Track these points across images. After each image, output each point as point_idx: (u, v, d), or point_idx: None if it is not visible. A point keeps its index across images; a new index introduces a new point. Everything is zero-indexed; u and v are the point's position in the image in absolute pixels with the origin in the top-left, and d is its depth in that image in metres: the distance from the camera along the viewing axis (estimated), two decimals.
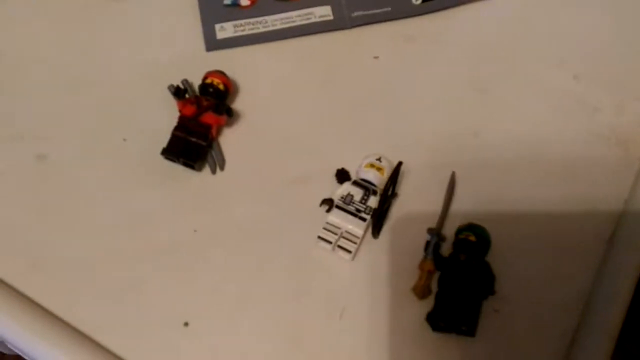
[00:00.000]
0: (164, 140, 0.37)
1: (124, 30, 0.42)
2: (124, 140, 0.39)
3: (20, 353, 0.32)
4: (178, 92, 0.37)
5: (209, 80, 0.38)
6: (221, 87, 0.38)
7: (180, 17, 0.42)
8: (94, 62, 0.41)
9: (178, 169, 0.37)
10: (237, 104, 0.39)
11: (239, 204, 0.36)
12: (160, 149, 0.36)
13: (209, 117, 0.37)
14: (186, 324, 0.32)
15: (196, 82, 0.39)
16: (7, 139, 0.38)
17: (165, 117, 0.37)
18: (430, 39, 0.41)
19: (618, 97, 0.39)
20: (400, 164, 0.35)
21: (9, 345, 0.32)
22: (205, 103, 0.37)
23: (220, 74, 0.38)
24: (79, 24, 0.42)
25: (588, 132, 0.38)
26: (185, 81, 0.39)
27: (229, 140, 0.38)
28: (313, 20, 0.42)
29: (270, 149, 0.38)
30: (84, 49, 0.41)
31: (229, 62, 0.40)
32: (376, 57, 0.41)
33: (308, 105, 0.39)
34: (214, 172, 0.37)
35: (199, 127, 0.37)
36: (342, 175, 0.36)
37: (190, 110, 0.37)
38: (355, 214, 0.34)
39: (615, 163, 0.37)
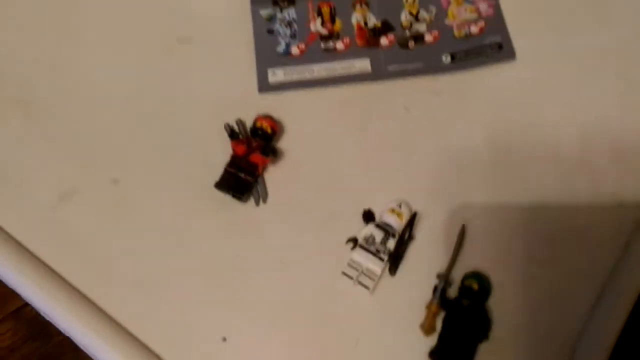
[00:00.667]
0: (218, 172, 0.42)
1: (190, 70, 0.47)
2: (185, 169, 0.44)
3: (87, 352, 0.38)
4: (232, 134, 0.43)
5: (258, 124, 0.43)
6: (269, 130, 0.43)
7: (238, 60, 0.47)
8: (163, 98, 0.46)
9: (227, 199, 0.42)
10: (282, 143, 0.44)
11: (276, 234, 0.41)
12: (214, 181, 0.42)
13: (256, 157, 0.42)
14: (224, 339, 0.38)
15: (248, 118, 0.44)
16: (87, 164, 0.44)
17: (220, 150, 0.43)
18: (457, 95, 0.45)
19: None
20: (415, 214, 0.39)
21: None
22: (254, 144, 0.43)
23: (268, 118, 0.43)
24: (151, 63, 0.47)
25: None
26: (239, 121, 0.44)
27: (273, 175, 0.43)
28: (353, 71, 0.46)
29: (308, 186, 0.43)
30: (155, 87, 0.47)
31: (278, 103, 0.45)
32: (407, 109, 0.45)
33: (344, 148, 0.44)
34: (257, 204, 0.42)
35: (247, 165, 0.42)
36: (368, 216, 0.41)
37: (241, 149, 0.43)
38: (375, 253, 0.39)
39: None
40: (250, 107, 0.44)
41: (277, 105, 0.45)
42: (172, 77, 0.47)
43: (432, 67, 0.46)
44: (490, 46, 0.46)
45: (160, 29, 0.49)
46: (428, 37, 0.47)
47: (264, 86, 0.46)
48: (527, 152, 0.43)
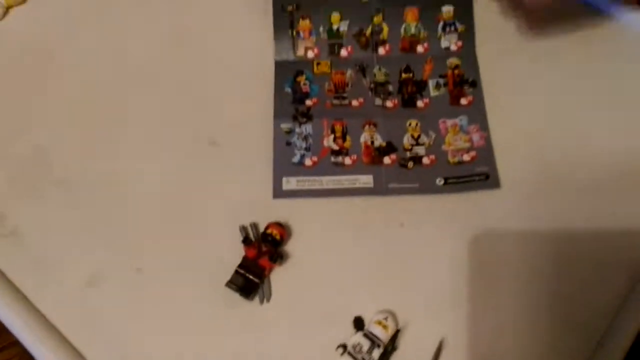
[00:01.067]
0: (230, 269, 0.48)
1: (215, 172, 0.53)
2: (201, 265, 0.50)
3: None
4: (246, 240, 0.49)
5: (269, 231, 0.49)
6: (278, 237, 0.49)
7: (257, 166, 0.53)
8: (189, 195, 0.52)
9: (235, 296, 0.48)
10: (289, 246, 0.50)
11: (276, 332, 0.47)
12: (226, 278, 0.48)
13: (265, 262, 0.48)
14: None
15: (262, 220, 0.50)
16: (116, 252, 0.50)
17: (234, 249, 0.49)
18: (446, 215, 0.51)
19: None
20: (398, 331, 0.45)
21: None
22: (264, 249, 0.49)
23: (279, 225, 0.49)
24: (182, 162, 0.54)
25: None
26: (252, 225, 0.50)
27: (278, 276, 0.49)
28: (357, 185, 0.53)
29: (308, 288, 0.48)
30: (183, 184, 0.53)
31: (289, 208, 0.52)
32: (402, 225, 0.51)
33: (343, 255, 0.50)
34: (261, 302, 0.48)
35: (256, 268, 0.48)
36: (358, 323, 0.46)
37: (252, 253, 0.49)
38: None
39: None
40: (265, 210, 0.51)
41: (287, 210, 0.51)
42: (199, 176, 0.53)
43: (427, 188, 0.52)
44: (478, 175, 0.52)
45: (194, 132, 0.55)
46: (426, 160, 0.53)
47: (279, 193, 0.52)
48: (507, 273, 0.48)
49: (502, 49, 0.57)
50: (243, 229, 0.49)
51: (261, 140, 0.54)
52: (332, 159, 0.53)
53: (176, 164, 0.54)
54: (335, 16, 0.59)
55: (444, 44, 0.58)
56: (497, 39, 0.58)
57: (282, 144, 0.54)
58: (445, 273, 0.49)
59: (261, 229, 0.50)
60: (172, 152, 0.55)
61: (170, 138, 0.55)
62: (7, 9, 0.62)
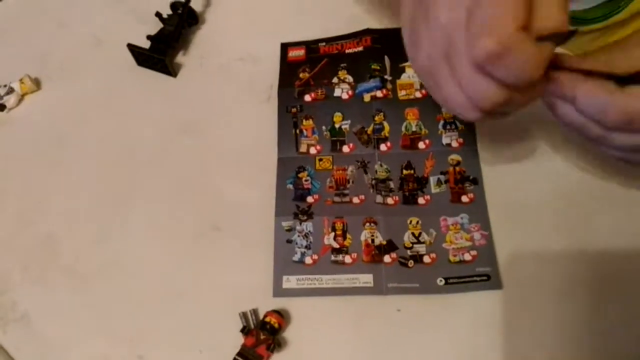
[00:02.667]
0: (230, 357, 0.52)
1: (217, 256, 0.58)
2: (200, 351, 0.54)
3: None
4: (244, 330, 0.52)
5: (267, 319, 0.53)
6: (276, 325, 0.52)
7: (259, 255, 0.57)
8: (190, 280, 0.57)
9: None
10: (287, 332, 0.54)
11: None
12: None
13: (262, 350, 0.52)
14: None
15: (261, 308, 0.55)
16: (118, 338, 0.54)
17: (232, 335, 0.53)
18: (445, 312, 0.54)
19: None
20: None
21: None
22: (262, 337, 0.52)
23: (277, 314, 0.53)
24: (185, 247, 0.59)
25: None
26: (252, 311, 0.54)
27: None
28: (357, 284, 0.56)
29: None
30: (185, 269, 0.57)
31: (288, 304, 0.55)
32: (399, 310, 0.54)
33: (341, 343, 0.53)
34: None
35: (254, 356, 0.52)
36: None
37: (250, 341, 0.52)
38: None
39: None
40: (265, 298, 0.55)
41: (287, 305, 0.55)
42: (203, 259, 0.58)
43: (427, 288, 0.55)
44: (479, 275, 0.55)
45: (198, 217, 0.60)
46: (426, 259, 0.56)
47: (278, 291, 0.56)
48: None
49: (504, 146, 0.61)
50: (243, 315, 0.53)
51: (263, 234, 0.59)
52: (333, 257, 0.57)
53: (179, 250, 0.59)
54: (337, 116, 0.64)
55: (445, 140, 0.62)
56: (499, 135, 0.62)
57: (283, 242, 0.58)
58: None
59: (261, 315, 0.53)
60: (178, 236, 0.59)
61: (175, 224, 0.60)
62: (23, 96, 0.69)
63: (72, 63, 0.72)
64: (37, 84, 0.70)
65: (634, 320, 0.52)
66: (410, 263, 0.56)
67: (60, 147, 0.66)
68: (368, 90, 0.66)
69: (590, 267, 0.54)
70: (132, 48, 0.67)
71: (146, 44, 0.67)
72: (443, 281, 0.55)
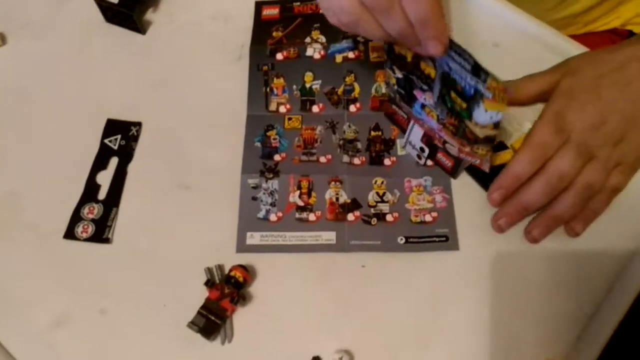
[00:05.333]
0: (194, 310, 0.59)
1: (185, 213, 0.65)
2: (164, 305, 0.61)
3: None
4: (208, 282, 0.60)
5: (232, 273, 0.60)
6: (241, 279, 0.60)
7: (226, 213, 0.64)
8: (155, 238, 0.64)
9: (197, 336, 0.58)
10: (253, 287, 0.61)
11: None
12: (189, 317, 0.58)
13: (226, 303, 0.59)
14: None
15: (227, 264, 0.61)
16: (80, 294, 0.61)
17: (197, 290, 0.60)
18: (404, 271, 0.62)
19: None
20: None
21: None
22: (227, 291, 0.59)
23: (242, 268, 0.60)
24: (150, 206, 0.66)
25: None
26: (218, 267, 0.61)
27: (241, 316, 0.60)
28: (320, 242, 0.64)
29: (270, 329, 0.59)
30: (151, 226, 0.64)
31: (253, 260, 0.63)
32: (363, 266, 0.62)
33: (305, 296, 0.60)
34: (223, 343, 0.58)
35: (218, 310, 0.59)
36: None
37: (214, 295, 0.59)
38: None
39: None
40: (230, 256, 0.62)
41: (251, 260, 0.62)
42: (167, 219, 0.65)
43: (388, 246, 0.63)
44: (438, 236, 0.63)
45: (166, 176, 0.67)
46: (389, 217, 0.64)
47: (242, 247, 0.63)
48: (467, 318, 0.59)
49: None
50: (208, 270, 0.61)
51: (228, 191, 0.66)
52: (297, 214, 0.65)
53: (145, 206, 0.66)
54: (308, 76, 0.72)
55: None
56: None
57: (248, 199, 0.65)
58: (407, 314, 0.59)
59: (226, 270, 0.61)
60: (144, 195, 0.66)
61: (142, 182, 0.67)
62: None
63: (39, 18, 0.78)
64: (2, 38, 0.76)
65: (585, 280, 0.60)
66: (374, 221, 0.64)
67: (25, 103, 0.72)
68: (340, 51, 0.73)
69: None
70: (99, 2, 0.73)
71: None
72: (404, 240, 0.63)
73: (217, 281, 0.60)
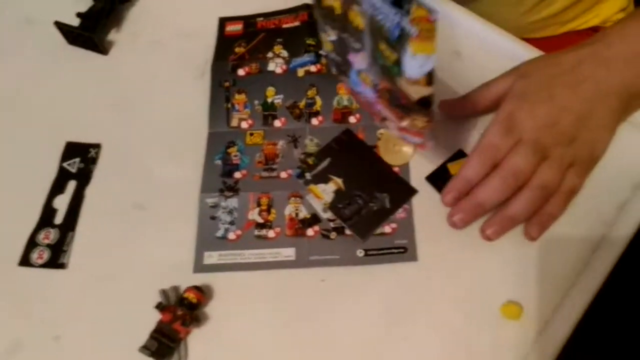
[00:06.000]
0: (147, 334, 0.59)
1: (141, 234, 0.66)
2: (119, 329, 0.61)
3: None
4: (159, 305, 0.60)
5: (185, 295, 0.60)
6: (194, 301, 0.60)
7: (183, 233, 0.65)
8: (110, 259, 0.64)
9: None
10: (209, 308, 0.61)
11: None
12: (142, 342, 0.58)
13: (178, 326, 0.59)
14: None
15: (184, 285, 0.61)
16: (34, 321, 0.62)
17: (153, 313, 0.60)
18: (362, 283, 0.62)
19: None
20: None
21: None
22: (179, 313, 0.60)
23: (195, 289, 0.60)
24: (106, 224, 0.67)
25: None
26: (173, 288, 0.62)
27: (197, 338, 0.60)
28: (279, 258, 0.64)
29: (227, 349, 0.59)
30: (107, 247, 0.65)
31: (211, 280, 0.63)
32: (323, 280, 0.62)
33: (263, 317, 0.61)
34: None
35: (171, 332, 0.59)
36: None
37: (167, 317, 0.60)
38: None
39: None
40: (187, 276, 0.63)
41: (209, 280, 0.63)
42: (123, 241, 0.65)
43: (347, 260, 0.63)
44: (397, 247, 0.62)
45: (121, 194, 0.68)
46: (348, 231, 0.64)
47: (199, 267, 0.64)
48: (413, 329, 0.58)
49: None
50: (163, 292, 0.61)
51: (187, 210, 0.66)
52: (256, 232, 0.65)
53: (102, 229, 0.66)
54: (270, 90, 0.72)
55: None
56: None
57: (207, 218, 0.66)
58: (366, 327, 0.59)
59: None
60: (100, 216, 0.67)
61: (99, 203, 0.68)
62: None
63: (2, 42, 0.80)
64: None
65: (541, 287, 0.60)
66: (333, 235, 0.64)
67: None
68: (302, 65, 0.74)
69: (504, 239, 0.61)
70: (60, 26, 0.75)
71: (77, 22, 0.75)
72: (363, 252, 0.63)
73: (173, 303, 0.60)
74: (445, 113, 0.67)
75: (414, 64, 0.49)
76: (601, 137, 0.60)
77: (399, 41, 0.49)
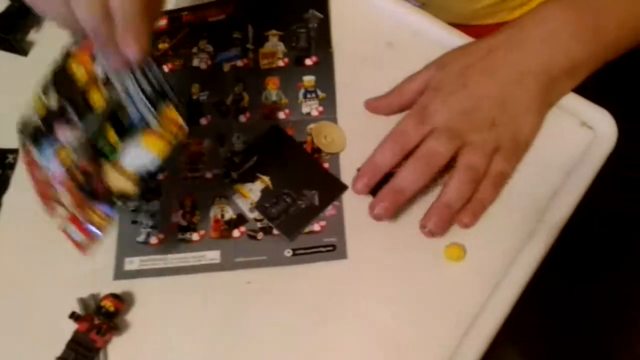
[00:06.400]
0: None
1: (61, 241, 0.62)
2: (36, 340, 0.60)
3: None
4: (73, 315, 0.58)
5: (103, 303, 0.58)
6: (112, 309, 0.58)
7: (104, 243, 0.61)
8: (30, 268, 0.63)
9: None
10: (132, 316, 0.60)
11: None
12: (59, 352, 0.57)
13: (94, 335, 0.57)
14: None
15: (105, 291, 0.60)
16: None
17: (71, 322, 0.58)
18: (290, 281, 0.60)
19: None
20: None
21: None
22: (96, 322, 0.58)
23: (113, 297, 0.59)
24: (25, 232, 0.65)
25: None
26: (91, 297, 0.60)
27: (118, 347, 0.59)
28: (203, 262, 0.62)
29: (149, 358, 0.58)
30: (25, 256, 0.64)
31: (133, 286, 0.61)
32: (249, 283, 0.60)
33: (187, 322, 0.59)
34: None
35: (87, 342, 0.57)
36: None
37: (84, 327, 0.58)
38: None
39: None
40: (107, 284, 0.61)
41: (130, 287, 0.61)
42: (42, 249, 0.63)
43: (275, 260, 0.61)
44: (325, 246, 0.61)
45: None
46: (275, 231, 0.62)
47: (120, 274, 0.62)
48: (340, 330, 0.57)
49: (362, 115, 0.67)
50: (82, 301, 0.59)
51: None
52: (180, 235, 0.63)
53: (20, 238, 0.65)
54: (195, 87, 0.70)
55: (304, 109, 0.68)
56: (358, 101, 0.68)
57: (128, 223, 0.64)
58: (294, 327, 0.58)
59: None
60: (19, 225, 0.65)
61: (18, 212, 0.66)
62: None
63: None
64: None
65: (469, 281, 0.59)
66: (260, 235, 0.62)
67: None
68: (228, 60, 0.72)
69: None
70: None
71: None
72: (291, 252, 0.61)
73: (92, 312, 0.59)
74: (373, 111, 0.66)
75: (137, 155, 0.51)
76: (524, 121, 0.59)
77: (133, 129, 0.51)
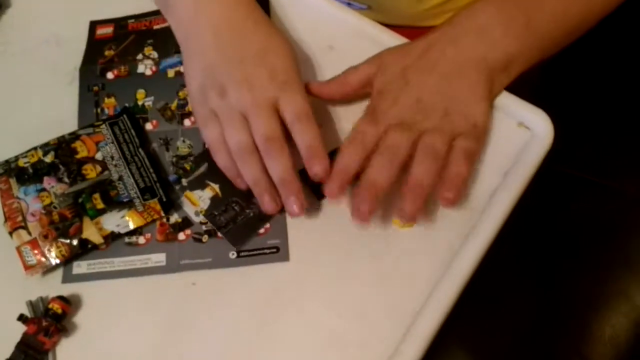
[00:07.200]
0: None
1: (10, 246, 0.65)
2: None
3: None
4: (21, 317, 0.61)
5: (50, 305, 0.61)
6: (59, 311, 0.61)
7: None
8: None
9: None
10: (79, 318, 0.63)
11: None
12: (8, 354, 0.59)
13: (42, 337, 0.60)
14: None
15: (54, 294, 0.62)
16: None
17: (20, 325, 0.61)
18: (236, 283, 0.63)
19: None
20: None
21: None
22: (44, 324, 0.61)
23: (60, 300, 0.61)
24: None
25: None
26: (40, 299, 0.63)
27: (66, 349, 0.61)
28: (149, 265, 0.65)
29: (97, 358, 0.61)
30: None
31: (80, 289, 0.64)
32: (194, 284, 0.63)
33: (133, 324, 0.62)
34: None
35: (36, 344, 0.60)
36: None
37: (32, 329, 0.61)
38: None
39: None
40: (56, 287, 0.64)
41: (78, 285, 0.64)
42: None
43: (220, 262, 0.64)
44: (269, 248, 0.64)
45: None
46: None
47: (68, 277, 0.65)
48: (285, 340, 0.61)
49: None
50: (30, 304, 0.62)
51: None
52: (126, 239, 0.66)
53: None
54: (140, 93, 0.73)
55: None
56: None
57: None
58: (238, 328, 0.61)
59: None
60: None
61: None
62: None
63: None
64: None
65: (410, 276, 0.62)
66: (205, 238, 0.65)
67: None
68: (172, 66, 0.75)
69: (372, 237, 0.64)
70: None
71: None
72: (235, 254, 0.64)
73: (40, 314, 0.61)
74: (316, 95, 0.68)
75: (117, 221, 0.65)
76: (474, 108, 0.62)
77: (118, 204, 0.65)
